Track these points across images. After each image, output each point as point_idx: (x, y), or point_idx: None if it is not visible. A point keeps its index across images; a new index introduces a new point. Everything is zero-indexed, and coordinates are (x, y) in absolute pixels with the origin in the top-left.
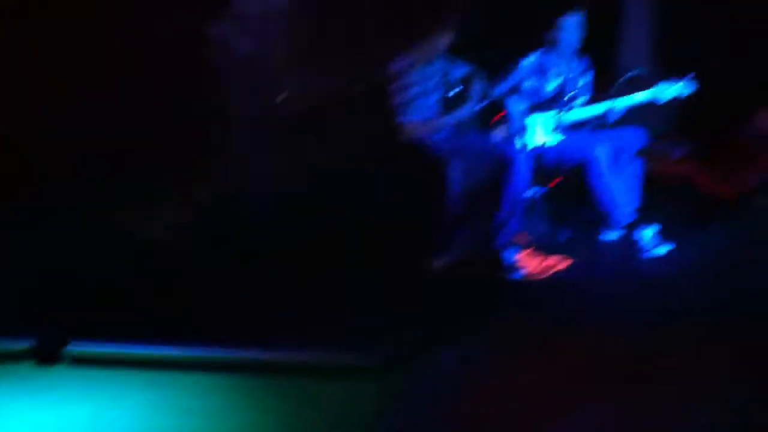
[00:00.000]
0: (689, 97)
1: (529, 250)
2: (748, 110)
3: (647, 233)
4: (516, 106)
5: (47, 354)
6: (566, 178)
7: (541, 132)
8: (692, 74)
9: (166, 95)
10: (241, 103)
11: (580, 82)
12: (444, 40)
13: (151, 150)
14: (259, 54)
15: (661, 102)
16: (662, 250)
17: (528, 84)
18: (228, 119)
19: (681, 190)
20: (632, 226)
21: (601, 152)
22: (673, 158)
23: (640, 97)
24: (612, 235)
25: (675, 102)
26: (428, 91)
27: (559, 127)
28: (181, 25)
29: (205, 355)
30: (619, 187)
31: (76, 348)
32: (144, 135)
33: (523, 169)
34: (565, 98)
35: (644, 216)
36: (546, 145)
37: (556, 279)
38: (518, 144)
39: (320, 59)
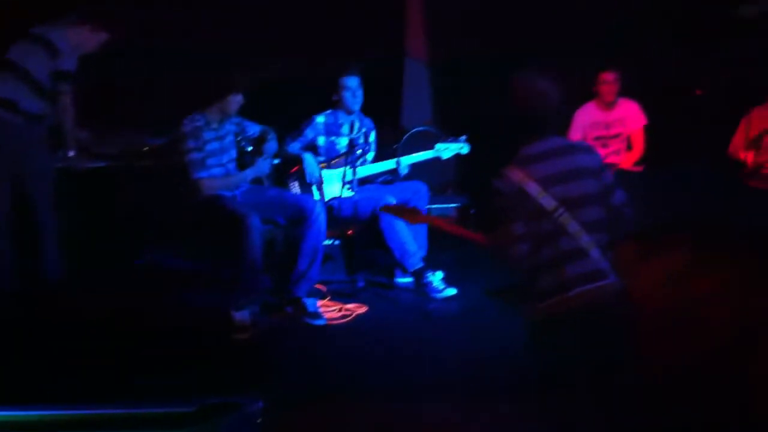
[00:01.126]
0: (466, 155)
1: (328, 298)
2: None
3: (435, 278)
4: (310, 161)
5: None
6: (360, 229)
7: (334, 186)
8: (465, 136)
9: None
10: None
11: (369, 139)
12: (236, 100)
13: None
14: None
15: (442, 159)
16: (448, 292)
17: (320, 141)
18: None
19: (457, 240)
20: (421, 272)
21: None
22: (444, 213)
23: (423, 154)
24: (403, 281)
25: (454, 159)
26: (224, 149)
27: (351, 182)
28: None
29: (30, 416)
30: (407, 237)
31: None
32: None
33: (319, 221)
34: (355, 154)
35: (431, 262)
36: (340, 198)
37: (355, 324)
38: (314, 197)
39: (110, 118)
